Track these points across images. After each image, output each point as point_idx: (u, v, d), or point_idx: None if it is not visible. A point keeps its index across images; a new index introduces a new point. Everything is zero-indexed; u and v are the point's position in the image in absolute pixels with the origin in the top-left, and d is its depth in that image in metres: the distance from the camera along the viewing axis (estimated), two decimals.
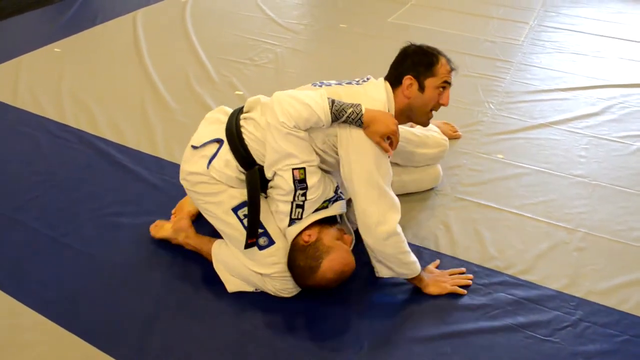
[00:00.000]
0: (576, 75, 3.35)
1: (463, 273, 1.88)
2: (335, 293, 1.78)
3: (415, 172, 2.24)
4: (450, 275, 1.86)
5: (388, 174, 1.69)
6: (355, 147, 1.64)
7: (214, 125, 1.83)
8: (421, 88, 1.75)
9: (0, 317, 1.69)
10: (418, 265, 1.76)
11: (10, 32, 3.72)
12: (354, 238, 1.83)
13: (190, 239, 1.89)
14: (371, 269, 1.81)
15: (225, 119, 1.82)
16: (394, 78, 1.79)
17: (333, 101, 1.62)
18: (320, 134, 1.67)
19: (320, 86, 1.76)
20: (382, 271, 1.76)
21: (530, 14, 4.31)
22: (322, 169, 1.74)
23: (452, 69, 1.80)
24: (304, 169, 1.63)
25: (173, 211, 2.04)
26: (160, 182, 2.26)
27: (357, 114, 1.61)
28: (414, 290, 1.83)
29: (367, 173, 1.64)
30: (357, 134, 1.63)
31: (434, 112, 1.82)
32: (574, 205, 2.26)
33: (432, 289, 1.80)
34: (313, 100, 1.61)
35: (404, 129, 2.17)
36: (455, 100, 2.96)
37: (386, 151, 1.64)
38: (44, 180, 2.28)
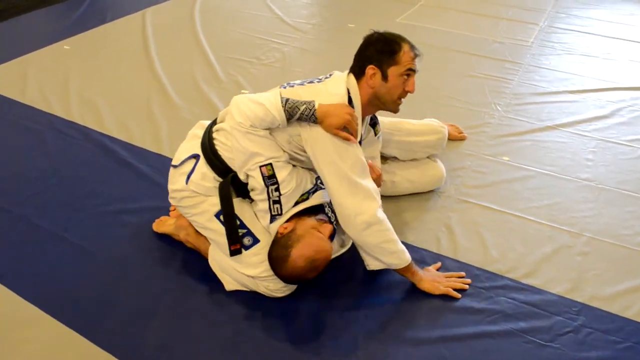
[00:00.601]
0: (585, 78, 3.31)
1: (462, 277, 1.86)
2: (331, 293, 1.78)
3: (418, 173, 2.23)
4: (448, 277, 1.84)
5: (357, 164, 1.68)
6: (317, 144, 1.66)
7: (192, 141, 1.87)
8: (384, 77, 1.74)
9: (3, 311, 1.70)
10: (407, 255, 1.75)
11: (20, 29, 3.76)
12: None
13: (190, 237, 1.90)
14: (364, 270, 1.81)
15: (202, 134, 1.85)
16: (357, 69, 1.78)
17: (287, 100, 1.64)
18: (284, 134, 1.69)
19: (285, 88, 1.77)
20: (371, 263, 1.76)
21: (540, 16, 4.27)
22: (302, 167, 1.77)
23: (416, 55, 1.77)
24: (270, 164, 1.66)
25: (171, 207, 2.05)
26: (164, 180, 2.23)
27: (310, 110, 1.62)
28: (412, 292, 1.81)
29: (334, 167, 1.66)
30: (316, 131, 1.65)
31: (402, 99, 1.81)
32: (579, 209, 2.24)
33: (425, 285, 1.79)
34: (267, 100, 1.64)
35: (400, 120, 2.17)
36: (461, 102, 2.97)
37: (347, 139, 1.65)
38: (48, 176, 2.29)
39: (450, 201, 2.25)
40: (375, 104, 1.81)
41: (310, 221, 1.70)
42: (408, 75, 1.76)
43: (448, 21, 4.09)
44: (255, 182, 1.68)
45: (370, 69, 1.75)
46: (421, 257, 1.96)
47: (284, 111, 1.63)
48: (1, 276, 1.81)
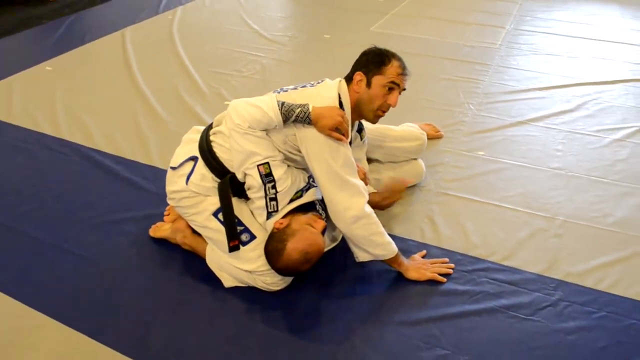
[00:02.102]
0: (551, 75, 3.49)
1: (446, 263, 1.98)
2: (325, 284, 1.89)
3: (400, 170, 2.35)
4: (432, 264, 1.96)
5: (347, 164, 1.79)
6: (311, 143, 1.77)
7: (189, 145, 1.97)
8: (368, 84, 1.86)
9: (6, 320, 1.76)
10: (394, 246, 1.85)
11: (0, 52, 3.81)
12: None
13: (187, 238, 1.98)
14: (353, 259, 1.91)
15: (198, 138, 1.95)
16: (349, 75, 1.91)
17: (283, 103, 1.75)
18: (279, 135, 1.79)
19: (279, 93, 1.88)
20: (360, 255, 1.87)
21: (506, 19, 4.47)
22: (296, 167, 1.88)
23: (403, 74, 1.88)
24: (267, 163, 1.76)
25: (166, 211, 2.14)
26: (156, 188, 2.34)
27: (305, 113, 1.73)
28: (401, 279, 1.92)
29: (326, 165, 1.76)
30: (310, 132, 1.76)
31: (383, 112, 1.90)
32: (552, 195, 2.38)
33: (412, 274, 1.90)
34: (264, 102, 1.75)
35: (383, 127, 2.29)
36: (437, 103, 3.12)
37: (339, 139, 1.76)
38: (43, 192, 2.36)
39: (431, 195, 2.37)
40: (357, 111, 1.91)
41: (304, 217, 1.80)
42: (391, 88, 1.87)
43: (420, 28, 4.26)
44: (253, 181, 1.78)
45: (358, 75, 1.87)
46: (407, 247, 2.08)
47: (281, 113, 1.73)
48: (5, 287, 1.87)
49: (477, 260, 2.03)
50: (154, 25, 4.32)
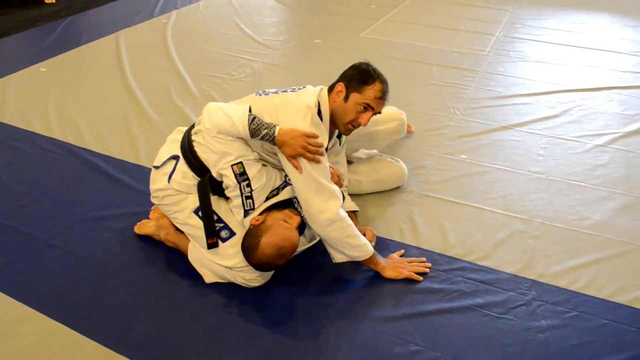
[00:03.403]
0: (538, 82, 3.55)
1: (423, 262, 2.03)
2: (303, 282, 1.95)
3: (382, 173, 2.40)
4: (410, 262, 2.00)
5: (323, 170, 1.84)
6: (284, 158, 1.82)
7: (172, 145, 2.02)
8: (346, 98, 1.90)
9: None
10: (369, 248, 1.90)
11: None
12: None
13: (171, 235, 2.03)
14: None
15: (180, 137, 2.00)
16: (333, 84, 1.95)
17: (254, 118, 1.78)
18: (256, 142, 1.84)
19: (260, 95, 1.93)
20: (336, 256, 1.91)
21: (496, 27, 4.54)
22: (272, 166, 1.93)
23: (382, 98, 1.91)
24: (240, 163, 1.81)
25: (152, 209, 2.18)
26: (143, 187, 2.39)
27: (270, 137, 1.78)
28: (377, 277, 1.97)
29: (302, 169, 1.80)
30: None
31: (353, 127, 1.93)
32: (531, 198, 2.43)
33: (389, 273, 1.95)
34: (236, 114, 1.79)
35: None
36: (421, 107, 3.18)
37: (311, 160, 1.79)
38: (32, 189, 2.40)
39: (413, 196, 2.42)
40: (332, 120, 1.96)
41: (279, 214, 1.85)
42: (365, 109, 1.90)
43: (409, 34, 4.32)
44: (229, 180, 1.83)
45: (339, 86, 1.92)
46: (387, 246, 2.12)
47: (249, 130, 1.77)
48: None
49: (454, 260, 2.07)
50: (148, 28, 4.38)
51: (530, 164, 2.68)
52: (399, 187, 2.46)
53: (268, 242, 1.72)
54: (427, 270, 1.99)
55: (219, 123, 1.79)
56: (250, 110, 1.81)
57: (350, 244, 1.86)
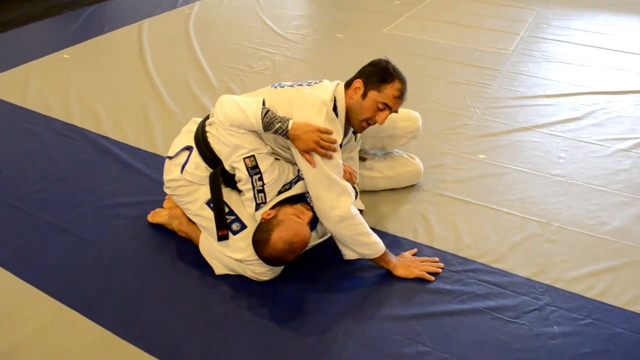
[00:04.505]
0: (562, 83, 3.48)
1: (436, 262, 2.00)
2: (312, 277, 1.92)
3: (397, 169, 2.36)
4: (422, 262, 1.97)
5: (336, 166, 1.81)
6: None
7: (186, 135, 2.01)
8: (364, 95, 1.87)
9: (3, 294, 1.83)
10: (380, 246, 1.87)
11: (22, 39, 3.91)
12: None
13: (183, 225, 2.03)
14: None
15: (195, 129, 1.99)
16: (350, 80, 1.92)
17: (267, 111, 1.76)
18: (269, 135, 1.81)
19: (275, 88, 1.91)
20: (347, 253, 1.89)
21: (521, 26, 4.45)
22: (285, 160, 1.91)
23: (400, 98, 1.89)
24: (253, 156, 1.79)
25: (166, 199, 2.18)
26: (158, 176, 2.38)
27: (283, 130, 1.76)
28: (387, 275, 1.94)
29: (315, 164, 1.78)
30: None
31: (368, 124, 1.92)
32: (550, 201, 2.38)
33: (400, 272, 1.92)
34: (249, 107, 1.77)
35: None
36: (442, 105, 3.13)
37: (323, 155, 1.77)
38: (48, 174, 2.42)
39: (428, 195, 2.39)
40: (347, 116, 1.93)
41: (290, 209, 1.83)
42: (383, 107, 1.88)
43: (432, 31, 4.27)
44: (241, 173, 1.82)
45: (357, 82, 1.89)
46: (400, 245, 2.09)
47: (262, 123, 1.76)
48: (5, 262, 1.94)
49: (467, 261, 2.04)
50: (171, 18, 4.39)
51: (551, 166, 2.62)
52: (414, 185, 2.42)
53: (279, 237, 1.71)
54: (440, 270, 1.96)
55: (232, 116, 1.78)
56: (264, 103, 1.80)
57: (360, 241, 1.84)
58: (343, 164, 1.91)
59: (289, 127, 1.76)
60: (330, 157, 1.78)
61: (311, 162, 1.78)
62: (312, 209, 1.90)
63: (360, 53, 3.81)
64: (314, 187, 1.81)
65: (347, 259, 1.91)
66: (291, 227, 1.73)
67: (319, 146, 1.75)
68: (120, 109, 2.99)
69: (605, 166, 2.65)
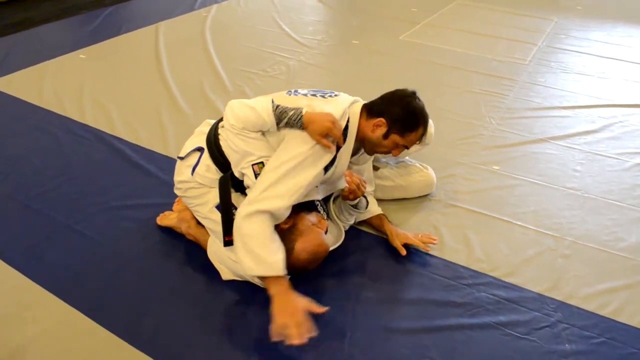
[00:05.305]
0: (579, 95, 3.43)
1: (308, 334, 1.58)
2: (320, 286, 1.90)
3: (409, 179, 2.33)
4: (302, 322, 1.57)
5: (306, 181, 1.70)
6: (292, 141, 1.73)
7: (198, 137, 2.00)
8: (386, 136, 1.84)
9: (10, 293, 1.83)
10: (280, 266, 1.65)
11: (39, 39, 3.95)
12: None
13: (192, 229, 2.02)
14: (353, 263, 1.95)
15: (207, 130, 1.98)
16: (375, 110, 1.85)
17: (278, 105, 1.75)
18: (276, 137, 1.78)
19: (290, 95, 1.89)
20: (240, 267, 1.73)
21: (539, 36, 4.41)
22: None
23: (419, 141, 1.90)
24: (262, 163, 1.77)
25: (175, 202, 2.18)
26: (169, 178, 2.37)
27: (298, 116, 1.72)
28: (395, 288, 1.92)
29: (278, 161, 1.70)
30: (293, 134, 1.73)
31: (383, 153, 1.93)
32: (564, 215, 2.34)
33: (276, 310, 1.58)
34: (259, 104, 1.76)
35: None
36: (456, 114, 3.10)
37: (327, 147, 1.71)
38: (61, 174, 2.43)
39: (440, 205, 2.35)
40: (362, 142, 1.90)
41: (308, 217, 1.81)
42: (402, 148, 1.88)
43: (449, 40, 4.24)
44: (249, 180, 1.80)
45: (381, 121, 1.83)
46: (410, 254, 2.06)
47: (274, 115, 1.74)
48: (14, 261, 1.94)
49: (479, 274, 2.00)
50: (188, 21, 4.41)
51: (566, 179, 2.58)
52: (426, 195, 2.39)
53: (303, 248, 1.70)
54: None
55: (243, 117, 1.77)
56: (272, 102, 1.79)
57: (255, 251, 1.64)
58: (349, 175, 1.88)
59: (303, 112, 1.72)
60: (342, 143, 1.75)
61: (327, 145, 1.69)
62: (325, 218, 1.88)
63: (376, 59, 3.80)
64: (264, 174, 1.71)
65: (227, 279, 1.86)
66: (314, 238, 1.72)
67: (330, 132, 1.70)
68: (134, 110, 2.99)
69: (622, 180, 2.60)
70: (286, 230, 1.77)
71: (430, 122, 2.32)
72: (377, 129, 1.84)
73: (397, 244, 2.04)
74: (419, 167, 2.38)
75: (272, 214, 1.67)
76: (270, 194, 1.67)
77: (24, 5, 4.59)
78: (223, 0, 4.93)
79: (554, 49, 4.18)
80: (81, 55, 3.66)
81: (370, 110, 1.87)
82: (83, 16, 4.43)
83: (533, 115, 3.14)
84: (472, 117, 3.09)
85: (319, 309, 1.61)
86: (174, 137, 2.74)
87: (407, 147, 1.90)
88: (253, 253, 1.63)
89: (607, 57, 4.07)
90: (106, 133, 2.76)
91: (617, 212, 2.38)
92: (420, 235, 2.06)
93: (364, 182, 2.02)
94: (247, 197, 1.73)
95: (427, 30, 4.46)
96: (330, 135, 1.72)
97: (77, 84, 3.24)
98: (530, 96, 3.37)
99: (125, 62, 3.62)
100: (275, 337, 1.54)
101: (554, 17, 4.92)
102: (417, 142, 1.91)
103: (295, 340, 1.50)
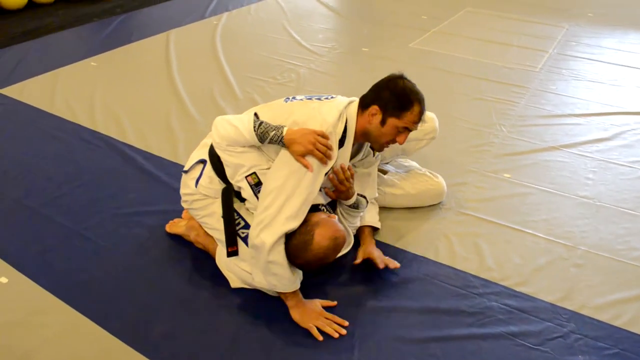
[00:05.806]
0: (591, 102, 3.40)
1: (342, 325, 1.77)
2: (327, 295, 1.89)
3: (419, 187, 2.32)
4: (326, 317, 1.78)
5: (310, 192, 1.71)
6: (283, 154, 1.73)
7: (201, 149, 2.00)
8: (383, 122, 1.81)
9: (20, 299, 1.83)
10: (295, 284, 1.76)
11: (52, 46, 3.99)
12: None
13: (200, 237, 2.02)
14: (362, 272, 1.93)
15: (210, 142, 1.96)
16: (368, 101, 1.84)
17: (260, 123, 1.73)
18: (272, 147, 1.76)
19: (287, 102, 1.88)
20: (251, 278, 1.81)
21: (550, 43, 4.39)
22: None
23: (420, 119, 1.84)
24: (254, 173, 1.77)
25: (185, 209, 2.17)
26: (178, 185, 2.35)
27: (278, 137, 1.71)
28: (405, 296, 1.90)
29: (311, 169, 1.69)
30: (284, 150, 1.73)
31: (389, 145, 1.88)
32: (576, 224, 2.31)
33: (295, 315, 1.77)
34: (242, 123, 1.76)
35: None
36: (467, 121, 3.08)
37: (305, 166, 1.68)
38: (71, 180, 2.44)
39: (451, 213, 2.34)
40: (366, 137, 1.89)
41: (319, 214, 1.78)
42: (403, 131, 1.83)
43: (459, 47, 4.22)
44: (245, 192, 1.80)
45: (374, 109, 1.81)
46: (420, 264, 2.05)
47: (256, 135, 1.73)
48: (24, 268, 1.94)
49: (490, 283, 1.98)
50: (198, 29, 4.43)
51: (578, 187, 2.55)
52: (438, 204, 2.38)
53: (323, 234, 1.67)
54: (336, 334, 1.73)
55: (226, 134, 1.78)
56: (256, 116, 1.78)
57: (272, 270, 1.72)
58: (342, 165, 1.85)
59: (284, 133, 1.71)
60: (324, 162, 1.71)
61: (308, 167, 1.69)
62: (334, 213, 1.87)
63: (385, 67, 3.75)
64: (268, 193, 1.70)
65: (236, 286, 1.87)
66: (331, 225, 1.71)
67: (316, 149, 1.68)
68: (144, 117, 3.01)
69: (635, 189, 2.56)
70: (300, 226, 1.72)
71: (433, 115, 2.29)
72: (373, 117, 1.82)
73: (360, 253, 1.98)
74: (429, 175, 2.36)
75: (285, 233, 1.70)
76: (282, 217, 1.68)
77: (37, 14, 4.65)
78: (234, 8, 4.96)
79: (565, 56, 4.16)
80: (92, 63, 3.69)
81: (363, 103, 1.86)
82: (94, 24, 4.47)
83: (544, 123, 3.12)
84: (483, 124, 3.07)
85: (331, 303, 1.84)
86: (184, 145, 2.75)
87: (408, 129, 1.83)
88: (277, 276, 1.73)
89: (619, 65, 4.03)
90: (117, 140, 2.77)
91: (631, 221, 2.35)
92: (385, 258, 1.96)
93: (350, 173, 1.90)
94: (257, 217, 1.71)
95: (437, 37, 4.45)
96: (314, 155, 1.69)
97: (88, 91, 3.27)
98: (541, 104, 3.35)
99: (136, 69, 3.65)
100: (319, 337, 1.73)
101: (564, 24, 4.89)
102: (417, 121, 1.82)
103: (317, 335, 1.73)
